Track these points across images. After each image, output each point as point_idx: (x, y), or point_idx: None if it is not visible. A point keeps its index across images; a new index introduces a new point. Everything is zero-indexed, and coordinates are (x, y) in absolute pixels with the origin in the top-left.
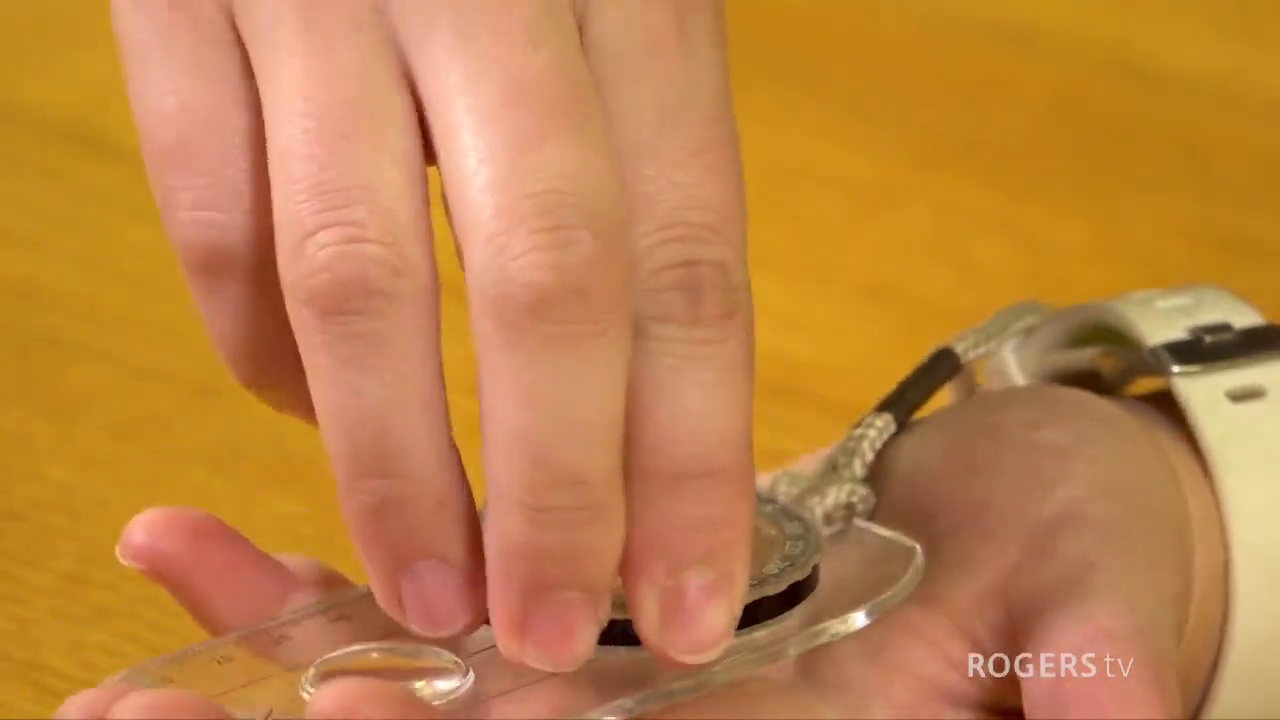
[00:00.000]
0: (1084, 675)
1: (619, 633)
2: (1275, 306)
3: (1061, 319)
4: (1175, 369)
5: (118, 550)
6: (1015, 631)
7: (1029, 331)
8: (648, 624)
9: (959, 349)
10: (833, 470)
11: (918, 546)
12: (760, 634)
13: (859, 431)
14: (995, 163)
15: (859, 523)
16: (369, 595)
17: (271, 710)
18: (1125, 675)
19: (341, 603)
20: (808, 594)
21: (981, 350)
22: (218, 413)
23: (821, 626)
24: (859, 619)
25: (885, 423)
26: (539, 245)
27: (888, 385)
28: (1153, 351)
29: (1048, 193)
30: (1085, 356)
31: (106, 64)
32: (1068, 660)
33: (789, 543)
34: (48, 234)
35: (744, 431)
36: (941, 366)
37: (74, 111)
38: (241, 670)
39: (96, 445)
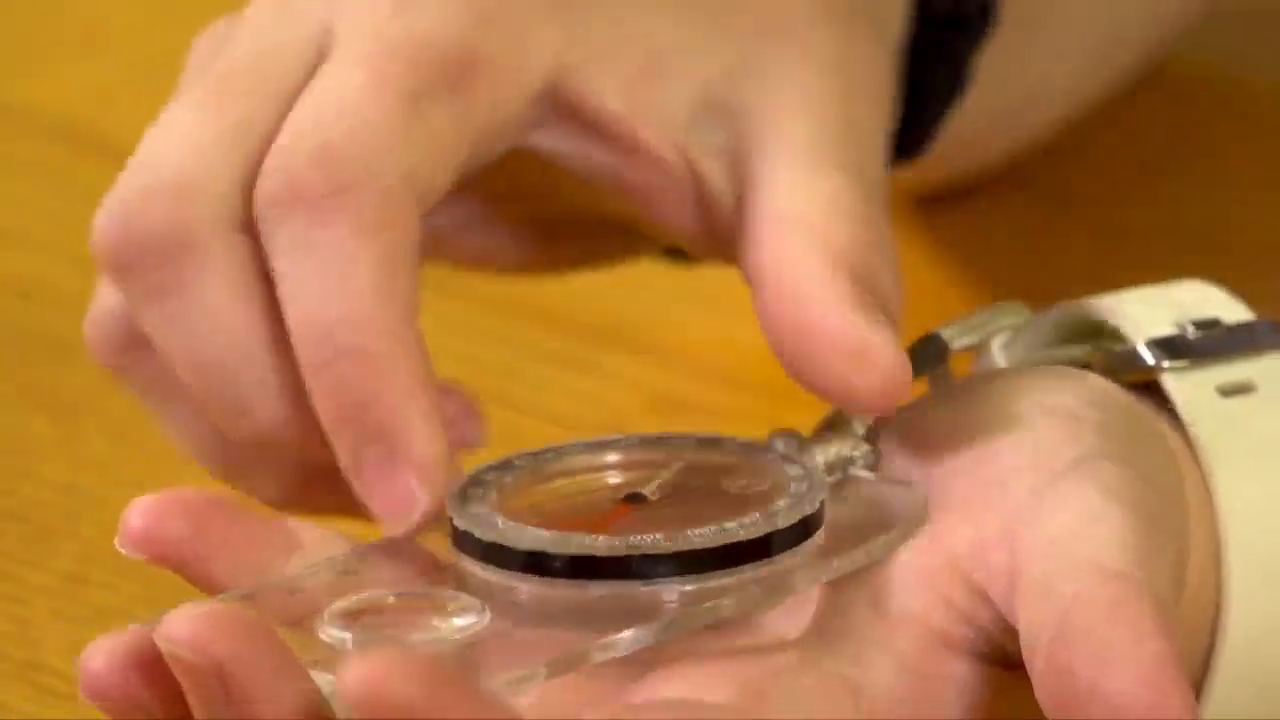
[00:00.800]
0: (1084, 616)
1: (632, 568)
2: (1266, 305)
3: (1050, 315)
4: (1165, 365)
5: (117, 541)
6: (1016, 572)
7: (1017, 328)
8: (364, 504)
9: (945, 335)
10: (829, 429)
11: (920, 484)
12: (767, 569)
13: None
14: None
15: (858, 472)
16: (377, 548)
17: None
18: (1123, 609)
19: (349, 558)
20: (814, 530)
21: (965, 342)
22: None
23: (827, 563)
24: (863, 556)
25: None
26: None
27: None
28: (1142, 347)
29: (1046, 188)
30: (1075, 353)
31: (107, 65)
32: (1070, 600)
33: (793, 483)
34: (48, 234)
35: (368, 308)
36: (930, 349)
37: (75, 112)
38: (259, 618)
39: (96, 445)
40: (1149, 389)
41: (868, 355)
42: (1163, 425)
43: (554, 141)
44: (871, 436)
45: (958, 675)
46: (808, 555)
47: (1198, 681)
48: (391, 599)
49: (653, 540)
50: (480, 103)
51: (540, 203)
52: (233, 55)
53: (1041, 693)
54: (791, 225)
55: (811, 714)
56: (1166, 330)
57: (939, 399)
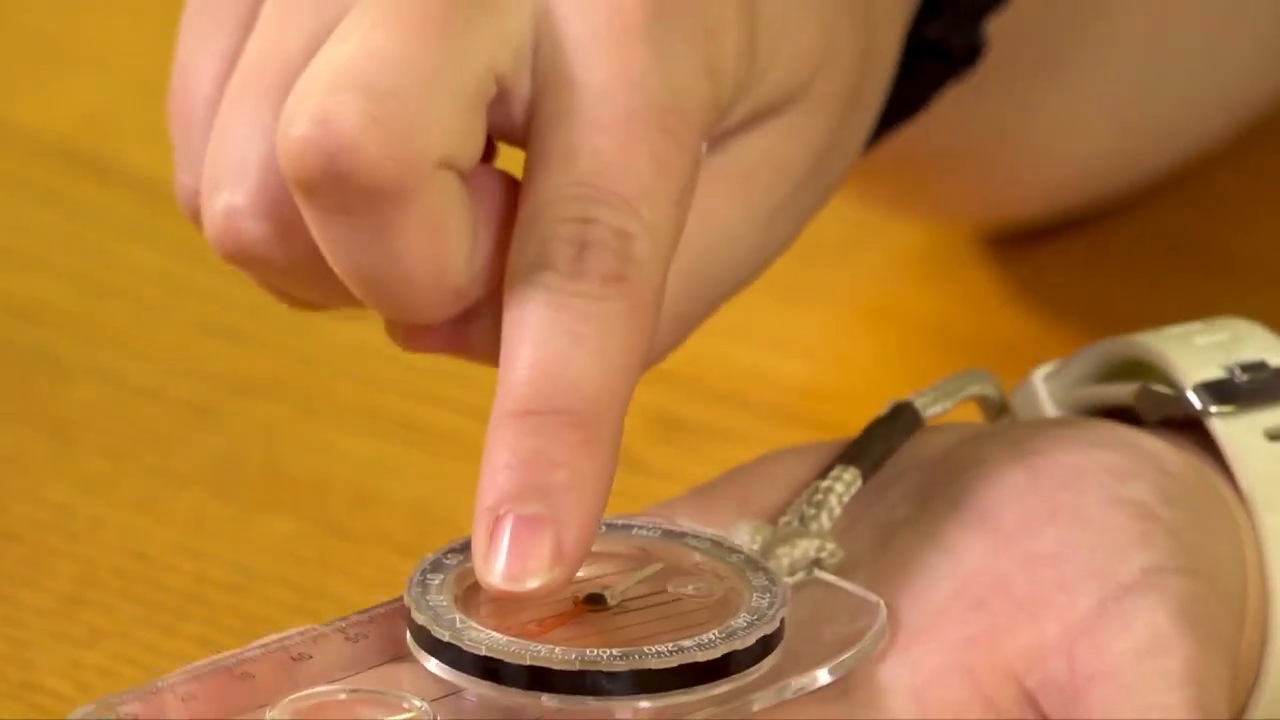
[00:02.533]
0: None
1: (587, 683)
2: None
3: (1094, 350)
4: (1213, 410)
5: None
6: (1075, 692)
7: (1060, 363)
8: (476, 552)
9: (918, 404)
10: (799, 522)
11: (881, 603)
12: (725, 688)
13: (825, 484)
14: None
15: (821, 574)
16: (333, 627)
17: None
18: None
19: (303, 640)
20: (774, 648)
21: (937, 410)
22: (215, 433)
23: (785, 683)
24: (823, 676)
25: (853, 477)
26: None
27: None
28: (1190, 391)
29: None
30: (1122, 392)
31: (106, 85)
32: None
33: (755, 595)
34: (47, 254)
35: (607, 387)
36: (902, 420)
37: (73, 133)
38: (205, 707)
39: (94, 465)
40: (1197, 429)
41: None
42: (1218, 480)
43: None
44: (830, 536)
45: None
46: (766, 674)
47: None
48: (342, 696)
49: (609, 656)
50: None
51: None
52: None
53: None
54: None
55: None
56: (1214, 373)
57: (996, 456)
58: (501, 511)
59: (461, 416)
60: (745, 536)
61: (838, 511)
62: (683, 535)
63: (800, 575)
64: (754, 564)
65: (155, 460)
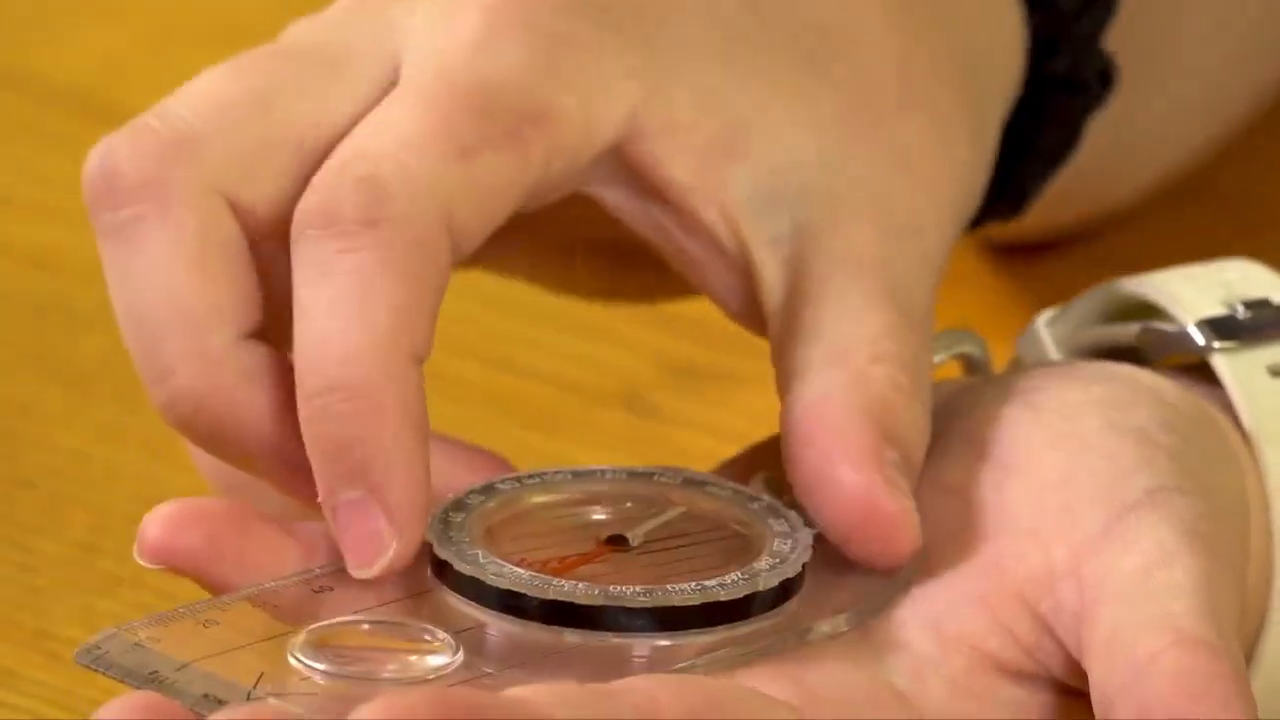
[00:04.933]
0: (1161, 679)
1: (608, 619)
2: None
3: (1096, 293)
4: (1215, 345)
5: (135, 552)
6: (1084, 613)
7: (1063, 308)
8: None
9: None
10: None
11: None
12: (746, 629)
13: None
14: None
15: None
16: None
17: (262, 675)
18: (1207, 688)
19: (325, 574)
20: (795, 592)
21: (942, 356)
22: None
23: (807, 626)
24: (842, 623)
25: None
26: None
27: None
28: (1192, 328)
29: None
30: (1124, 333)
31: (119, 34)
32: (1147, 662)
33: (776, 540)
34: (61, 203)
35: (373, 346)
36: None
37: (86, 81)
38: (228, 634)
39: (108, 413)
40: (1196, 368)
41: (877, 519)
42: (1217, 414)
43: (614, 195)
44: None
45: (1012, 699)
46: (785, 617)
47: (1250, 651)
48: (365, 627)
49: (631, 593)
50: (540, 155)
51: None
52: (293, 34)
53: None
54: (831, 363)
55: (860, 715)
56: (1216, 310)
57: (997, 398)
58: (331, 504)
59: (466, 361)
60: (761, 487)
61: None
62: (704, 484)
63: (819, 529)
64: (775, 511)
65: None
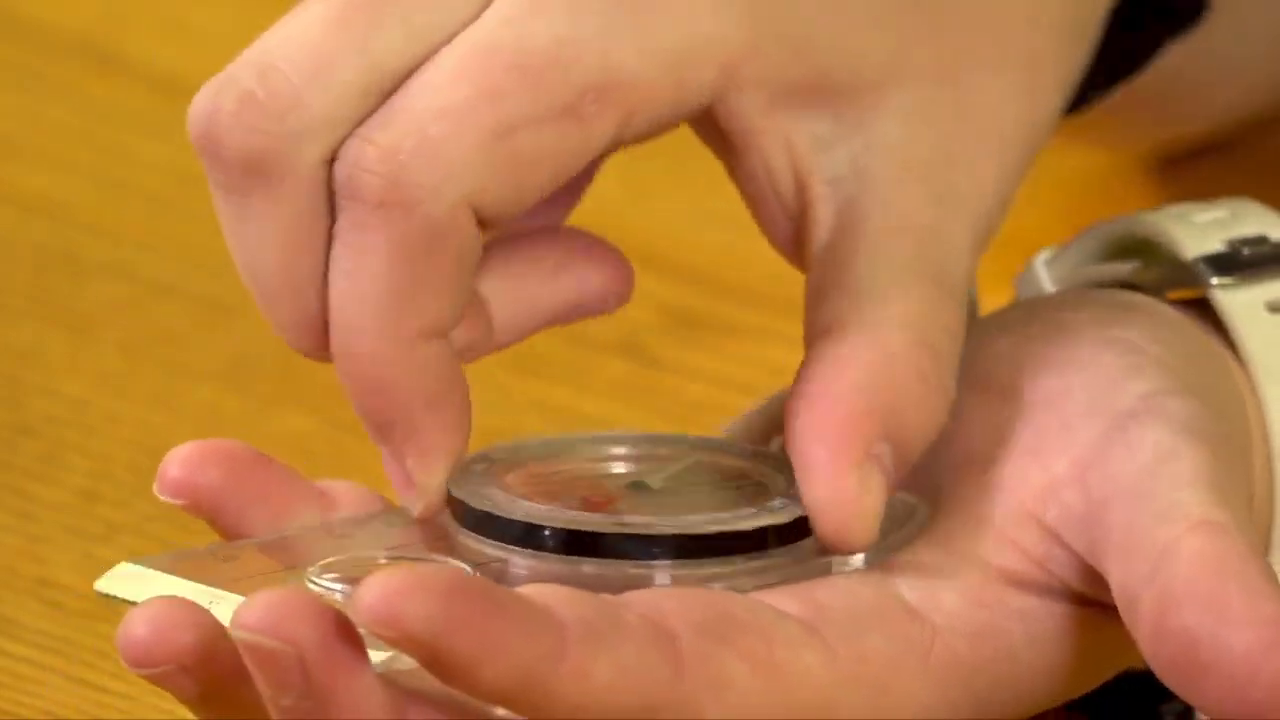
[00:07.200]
0: (1179, 564)
1: (624, 547)
2: None
3: (1094, 231)
4: (1214, 281)
5: (155, 487)
6: (1092, 518)
7: (1062, 247)
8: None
9: None
10: None
11: (916, 502)
12: (759, 562)
13: None
14: None
15: None
16: (376, 516)
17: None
18: (1226, 564)
19: (345, 522)
20: (810, 532)
21: None
22: (231, 329)
23: (820, 562)
24: (858, 559)
25: None
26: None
27: None
28: (1191, 264)
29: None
30: (1122, 270)
31: None
32: (1163, 551)
33: (792, 486)
34: (63, 150)
35: (375, 323)
36: None
37: (90, 28)
38: (246, 566)
39: (110, 361)
40: (1198, 306)
41: (835, 506)
42: (1216, 344)
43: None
44: None
45: (1025, 610)
46: (801, 553)
47: None
48: (382, 559)
49: (646, 521)
50: (611, 125)
51: None
52: None
53: (1156, 658)
54: (859, 331)
55: (869, 626)
56: (1216, 247)
57: (994, 330)
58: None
59: None
60: (781, 447)
61: None
62: (728, 444)
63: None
64: (790, 464)
65: (171, 356)
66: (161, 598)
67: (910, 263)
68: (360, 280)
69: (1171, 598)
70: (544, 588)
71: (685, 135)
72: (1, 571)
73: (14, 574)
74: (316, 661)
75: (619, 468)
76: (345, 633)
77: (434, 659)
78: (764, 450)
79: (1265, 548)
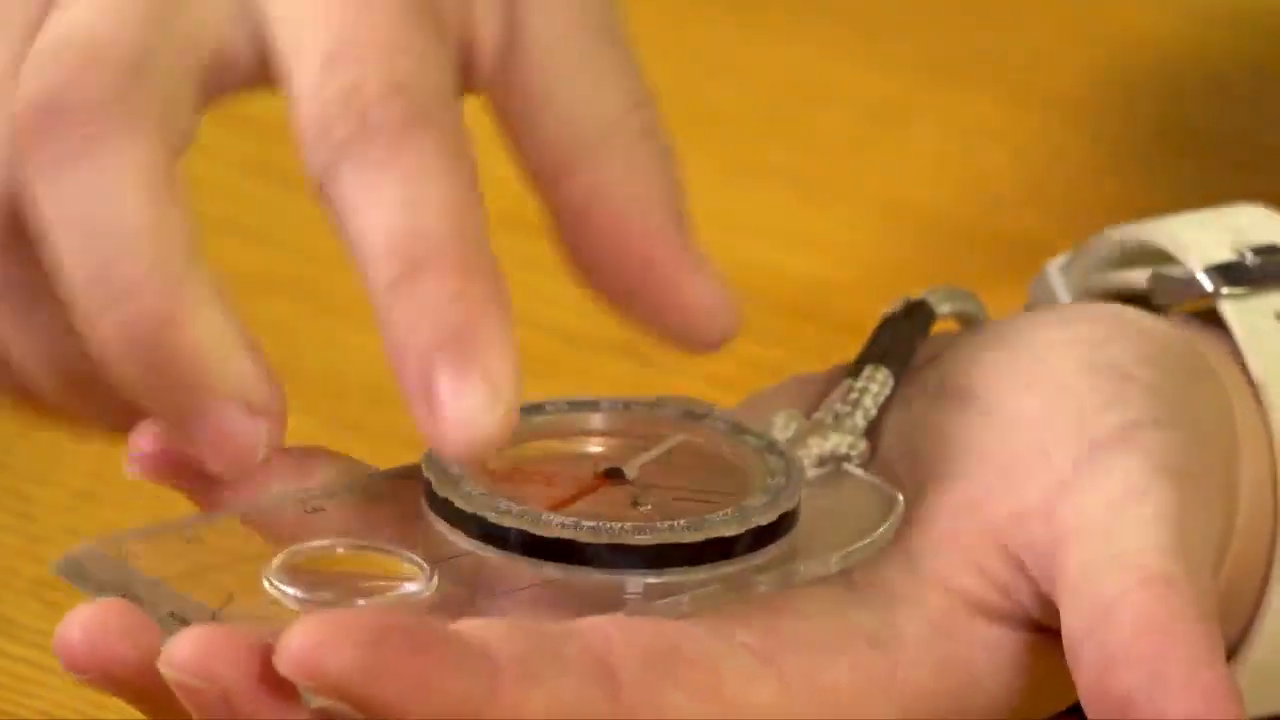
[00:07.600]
0: (1123, 624)
1: (595, 555)
2: None
3: (1107, 238)
4: (1223, 291)
5: (125, 467)
6: (1053, 552)
7: (1076, 253)
8: (424, 427)
9: (931, 300)
10: (834, 418)
11: (899, 496)
12: (732, 568)
13: (860, 384)
14: (1006, 78)
15: (847, 468)
16: (353, 487)
17: (231, 597)
18: (1173, 625)
19: (318, 494)
20: (786, 532)
21: (948, 308)
22: None
23: (794, 566)
24: (832, 564)
25: (885, 378)
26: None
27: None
28: (1200, 274)
29: (1058, 108)
30: (1133, 278)
31: None
32: (1110, 606)
33: (771, 477)
34: None
35: (450, 227)
36: (918, 317)
37: None
38: (208, 552)
39: None
40: (1209, 315)
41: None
42: (1214, 358)
43: None
44: (871, 432)
45: (988, 638)
46: (774, 557)
47: (1254, 604)
48: (341, 550)
49: (619, 529)
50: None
51: None
52: None
53: (1093, 713)
54: None
55: (829, 658)
56: (1225, 256)
57: (983, 343)
58: (425, 369)
59: None
60: (780, 424)
61: (874, 412)
62: (704, 416)
63: (829, 468)
64: (773, 447)
65: None
66: (103, 603)
67: None
68: (423, 192)
69: (1112, 658)
70: (482, 623)
71: (684, 135)
72: (1, 571)
73: (14, 574)
74: (245, 702)
75: (593, 445)
76: (274, 674)
77: (360, 706)
78: (750, 429)
79: (1268, 562)
